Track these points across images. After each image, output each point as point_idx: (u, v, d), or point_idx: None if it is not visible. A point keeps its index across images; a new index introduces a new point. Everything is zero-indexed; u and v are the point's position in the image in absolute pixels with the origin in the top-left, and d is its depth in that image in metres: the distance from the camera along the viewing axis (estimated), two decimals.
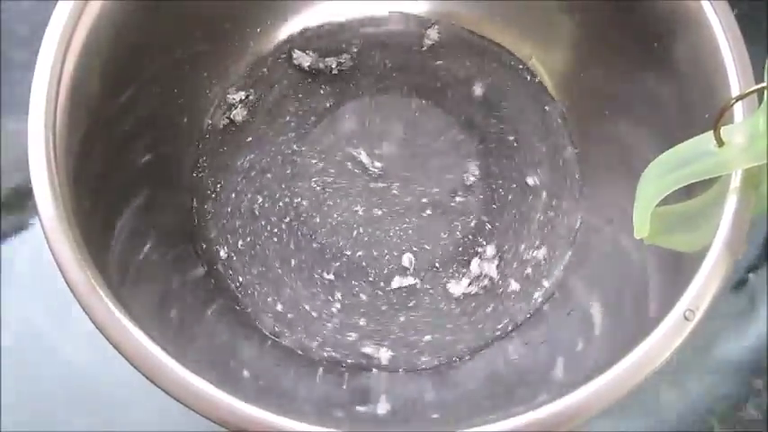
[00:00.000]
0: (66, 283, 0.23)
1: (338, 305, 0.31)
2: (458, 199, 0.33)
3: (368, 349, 0.30)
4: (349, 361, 0.30)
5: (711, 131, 0.22)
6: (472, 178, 0.33)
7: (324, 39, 0.36)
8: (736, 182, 0.24)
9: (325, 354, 0.30)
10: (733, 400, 0.34)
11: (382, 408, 0.27)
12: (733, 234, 0.23)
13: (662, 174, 0.24)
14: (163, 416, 0.33)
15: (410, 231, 0.33)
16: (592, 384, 0.22)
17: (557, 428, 0.21)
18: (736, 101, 0.23)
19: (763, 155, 0.22)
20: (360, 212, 0.33)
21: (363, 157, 0.34)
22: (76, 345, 0.34)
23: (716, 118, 0.22)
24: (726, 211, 0.24)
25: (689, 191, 0.25)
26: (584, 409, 0.21)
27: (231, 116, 0.34)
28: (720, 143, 0.23)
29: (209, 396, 0.22)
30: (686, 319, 0.22)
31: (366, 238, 0.32)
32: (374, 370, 0.30)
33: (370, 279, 0.32)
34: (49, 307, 0.34)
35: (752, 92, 0.22)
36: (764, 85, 0.21)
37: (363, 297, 0.32)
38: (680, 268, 0.24)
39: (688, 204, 0.26)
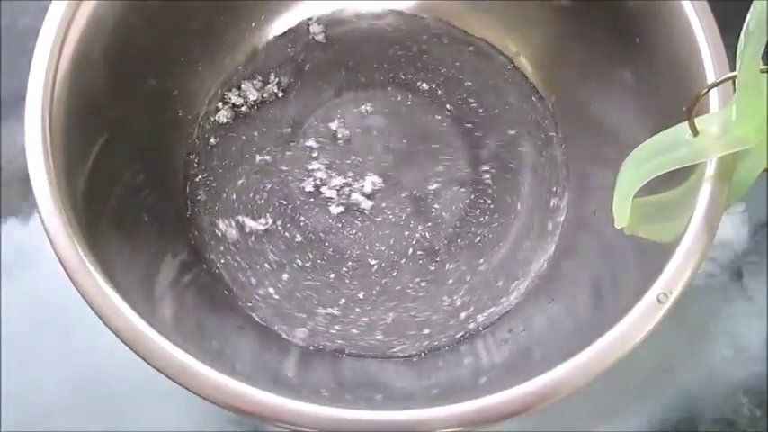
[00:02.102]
0: (59, 260, 0.24)
1: (327, 293, 0.32)
2: (446, 192, 0.34)
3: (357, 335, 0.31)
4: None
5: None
6: (460, 172, 0.34)
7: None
8: (711, 170, 0.24)
9: (310, 339, 0.31)
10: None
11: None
12: (707, 220, 0.24)
13: (640, 163, 0.25)
14: (163, 415, 0.33)
15: (400, 225, 0.33)
16: (562, 367, 0.22)
17: (526, 408, 0.22)
18: (708, 90, 0.24)
19: (736, 143, 0.23)
20: (350, 204, 0.33)
21: (357, 151, 0.34)
22: (77, 345, 0.34)
23: (689, 107, 0.23)
24: (700, 198, 0.24)
25: (669, 182, 0.26)
26: (553, 391, 0.22)
27: (225, 113, 0.35)
28: (695, 132, 0.23)
29: (197, 372, 0.23)
30: (659, 302, 0.23)
31: (354, 231, 0.33)
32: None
33: (361, 270, 0.32)
34: (49, 306, 0.34)
35: (723, 81, 0.23)
36: (735, 74, 0.22)
37: (352, 288, 0.32)
38: (656, 254, 0.24)
39: (667, 195, 0.26)
